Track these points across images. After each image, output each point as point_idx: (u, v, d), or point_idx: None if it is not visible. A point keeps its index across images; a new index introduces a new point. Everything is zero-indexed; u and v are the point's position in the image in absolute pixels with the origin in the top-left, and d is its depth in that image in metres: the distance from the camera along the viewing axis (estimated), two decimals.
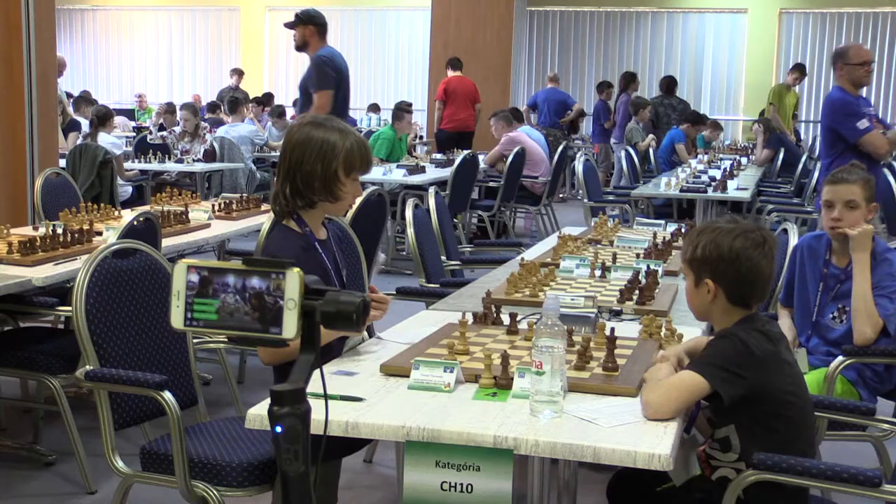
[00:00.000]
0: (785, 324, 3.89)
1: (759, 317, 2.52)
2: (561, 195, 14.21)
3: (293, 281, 1.32)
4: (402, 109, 10.52)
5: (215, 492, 2.89)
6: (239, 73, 16.84)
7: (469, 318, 3.16)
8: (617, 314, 3.42)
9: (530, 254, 4.97)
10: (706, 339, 2.64)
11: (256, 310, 1.33)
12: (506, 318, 3.15)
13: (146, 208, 5.91)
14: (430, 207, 5.36)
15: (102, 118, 8.93)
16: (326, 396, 1.51)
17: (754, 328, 2.45)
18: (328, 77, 6.86)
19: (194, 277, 1.35)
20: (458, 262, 5.29)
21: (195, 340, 3.48)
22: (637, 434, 2.17)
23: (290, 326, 1.35)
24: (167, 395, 2.87)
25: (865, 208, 3.67)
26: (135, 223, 4.19)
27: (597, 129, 14.74)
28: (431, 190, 5.53)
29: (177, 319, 1.38)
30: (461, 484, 2.18)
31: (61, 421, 3.97)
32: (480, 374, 2.52)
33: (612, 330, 2.66)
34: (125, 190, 9.51)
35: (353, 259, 4.22)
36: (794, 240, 4.20)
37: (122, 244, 3.33)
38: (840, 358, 3.49)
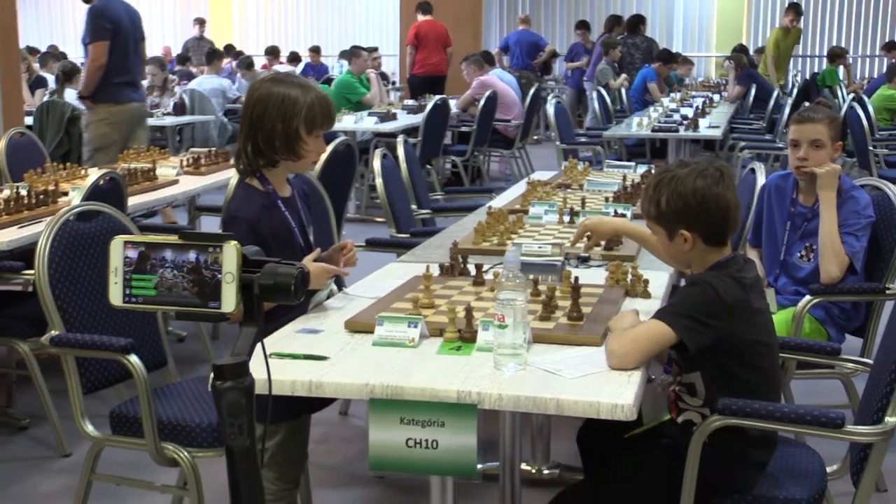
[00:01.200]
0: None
1: (736, 260, 2.46)
2: (536, 137, 14.16)
3: (230, 254, 1.30)
4: (356, 47, 10.47)
5: (186, 453, 2.88)
6: (201, 22, 16.60)
7: (435, 270, 3.14)
8: (584, 261, 3.40)
9: (500, 200, 4.95)
10: None
11: (195, 284, 1.31)
12: (473, 269, 3.13)
13: (113, 166, 5.84)
14: (400, 157, 5.32)
15: (68, 74, 8.80)
16: (270, 374, 1.48)
17: (729, 274, 2.40)
18: (101, 29, 6.81)
19: (132, 253, 1.32)
20: (428, 211, 5.26)
21: None
22: (600, 384, 2.17)
23: (229, 300, 1.32)
24: (133, 358, 2.85)
25: (831, 147, 3.66)
26: (99, 183, 4.13)
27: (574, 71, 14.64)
28: (400, 139, 5.49)
29: (115, 296, 1.35)
30: (426, 440, 2.17)
31: (35, 385, 3.95)
32: (445, 329, 2.50)
33: (577, 279, 2.64)
34: None
35: (321, 213, 4.20)
36: (761, 179, 4.19)
37: (84, 206, 3.29)
38: (807, 297, 3.50)
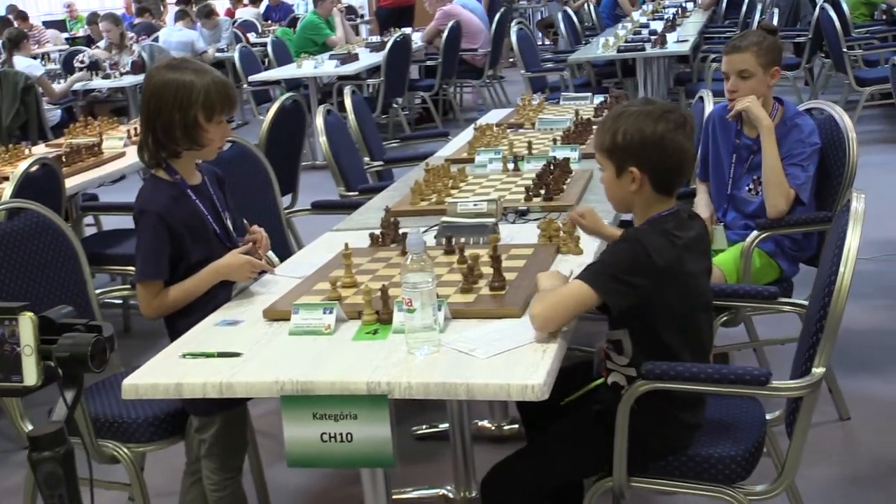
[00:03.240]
0: (702, 199, 3.86)
1: (677, 215, 2.39)
2: (511, 59, 14.00)
3: (26, 326, 1.26)
4: None
5: (126, 449, 2.89)
6: None
7: (363, 241, 3.12)
8: (523, 214, 3.37)
9: (450, 147, 4.90)
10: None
11: None
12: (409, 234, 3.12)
13: (61, 142, 5.79)
14: (347, 108, 5.26)
15: (14, 41, 8.67)
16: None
17: (664, 231, 2.33)
18: None
19: None
20: (381, 163, 5.21)
21: (98, 292, 3.43)
22: (512, 364, 2.15)
23: (31, 373, 1.29)
24: None
25: (764, 74, 3.58)
26: (30, 171, 4.08)
27: None
28: (347, 90, 5.41)
29: None
30: (340, 434, 2.16)
31: None
32: (363, 311, 2.48)
33: (495, 248, 2.61)
34: (54, 114, 9.31)
35: (261, 184, 4.16)
36: (709, 108, 4.13)
37: (9, 205, 3.24)
38: (754, 233, 3.46)
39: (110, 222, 5.84)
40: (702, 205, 3.82)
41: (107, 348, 1.32)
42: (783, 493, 2.50)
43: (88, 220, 6.23)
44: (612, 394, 2.46)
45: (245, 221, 2.98)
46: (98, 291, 3.42)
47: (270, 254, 2.95)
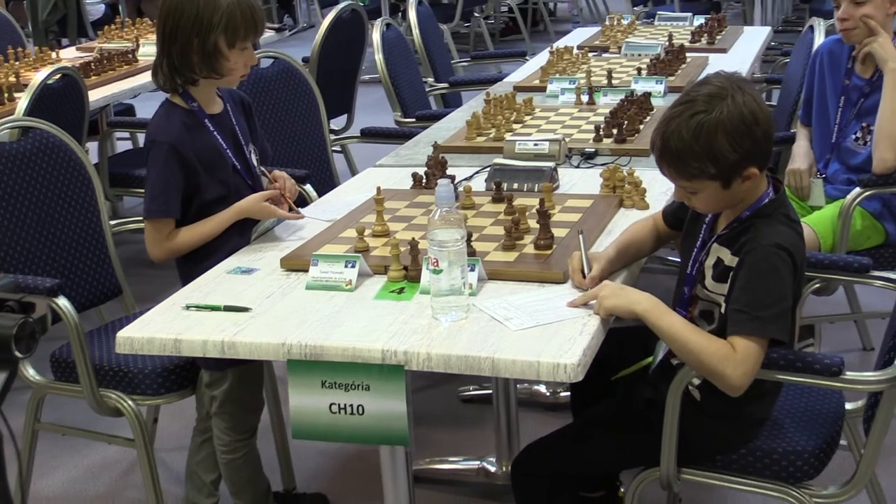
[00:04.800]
0: (801, 148, 3.75)
1: (777, 188, 2.32)
2: None
3: None
4: None
5: (130, 402, 2.94)
6: None
7: (407, 180, 3.11)
8: (589, 157, 3.33)
9: (523, 72, 4.85)
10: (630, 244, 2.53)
11: None
12: (460, 176, 3.11)
13: (94, 45, 5.85)
14: (411, 21, 5.22)
15: None
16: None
17: (782, 217, 2.27)
18: None
19: None
20: (445, 85, 5.18)
21: (113, 223, 3.49)
22: (545, 338, 2.13)
23: None
24: (62, 301, 2.88)
25: (883, 0, 3.43)
26: (49, 82, 4.13)
27: None
28: (412, 1, 5.36)
29: None
30: (351, 405, 2.17)
31: None
32: (389, 266, 2.47)
33: (542, 202, 2.57)
34: (97, 8, 9.40)
35: (307, 107, 4.16)
36: (819, 39, 4.01)
37: (12, 123, 3.29)
38: (856, 190, 3.37)
39: None
40: (800, 154, 3.72)
41: (36, 331, 1.33)
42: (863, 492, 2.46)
43: (124, 133, 6.33)
44: (669, 374, 2.42)
45: (264, 170, 2.96)
46: (113, 223, 3.46)
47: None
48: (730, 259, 2.29)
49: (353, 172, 4.58)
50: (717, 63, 4.65)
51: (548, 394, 3.79)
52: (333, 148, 4.38)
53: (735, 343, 2.17)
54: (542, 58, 4.98)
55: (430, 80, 5.22)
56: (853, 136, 3.60)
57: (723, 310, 2.29)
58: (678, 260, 2.58)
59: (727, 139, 2.19)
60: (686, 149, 2.21)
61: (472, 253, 2.44)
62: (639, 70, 4.33)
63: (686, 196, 2.32)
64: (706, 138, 2.19)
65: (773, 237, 2.23)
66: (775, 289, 2.20)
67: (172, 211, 2.76)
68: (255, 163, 2.92)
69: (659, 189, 2.92)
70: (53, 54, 5.46)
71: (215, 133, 2.81)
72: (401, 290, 2.41)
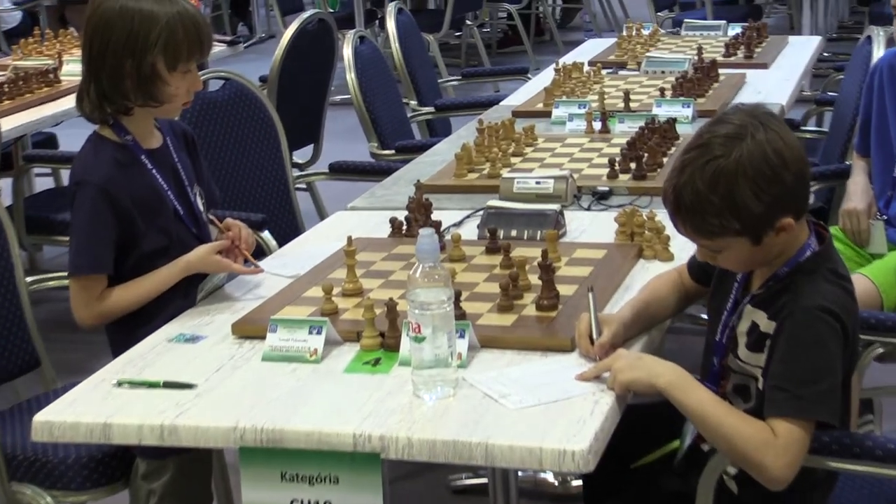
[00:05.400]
0: (859, 184, 3.78)
1: (823, 239, 2.35)
2: None
3: None
4: None
5: (49, 499, 2.94)
6: None
7: (384, 227, 3.14)
8: (603, 197, 3.37)
9: (526, 91, 4.90)
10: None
11: None
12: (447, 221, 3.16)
13: (7, 62, 5.88)
14: (389, 32, 5.28)
15: None
16: None
17: (830, 272, 2.29)
18: None
19: None
20: (430, 110, 5.23)
21: (29, 280, 3.50)
22: (550, 419, 2.15)
23: None
24: None
25: None
26: None
27: None
28: (391, 6, 5.42)
29: None
30: (317, 502, 2.19)
31: None
32: (362, 332, 2.50)
33: (545, 254, 2.61)
34: (12, 16, 9.42)
35: (267, 138, 4.20)
36: (878, 53, 4.07)
37: None
38: None
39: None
40: (857, 191, 3.75)
41: None
42: None
43: (44, 169, 6.34)
44: (699, 461, 2.45)
45: (213, 217, 3.00)
46: (30, 279, 3.48)
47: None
48: (766, 324, 2.31)
49: (321, 217, 4.60)
50: (757, 81, 4.71)
51: (556, 483, 3.81)
52: (297, 186, 4.43)
53: (776, 427, 2.19)
54: (546, 76, 5.04)
55: (413, 103, 5.27)
56: None
57: (760, 385, 2.31)
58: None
59: (750, 188, 2.20)
60: (703, 202, 2.23)
61: (461, 316, 2.47)
62: (662, 91, 4.38)
63: (710, 255, 2.35)
64: (725, 188, 2.20)
65: (817, 298, 2.25)
66: (821, 361, 2.21)
67: (103, 266, 2.78)
68: (200, 208, 2.96)
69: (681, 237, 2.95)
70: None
71: (154, 172, 2.85)
72: (376, 362, 2.44)
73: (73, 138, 5.58)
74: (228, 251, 2.87)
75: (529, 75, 5.57)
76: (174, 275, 2.82)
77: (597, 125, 4.01)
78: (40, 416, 2.34)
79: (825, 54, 6.76)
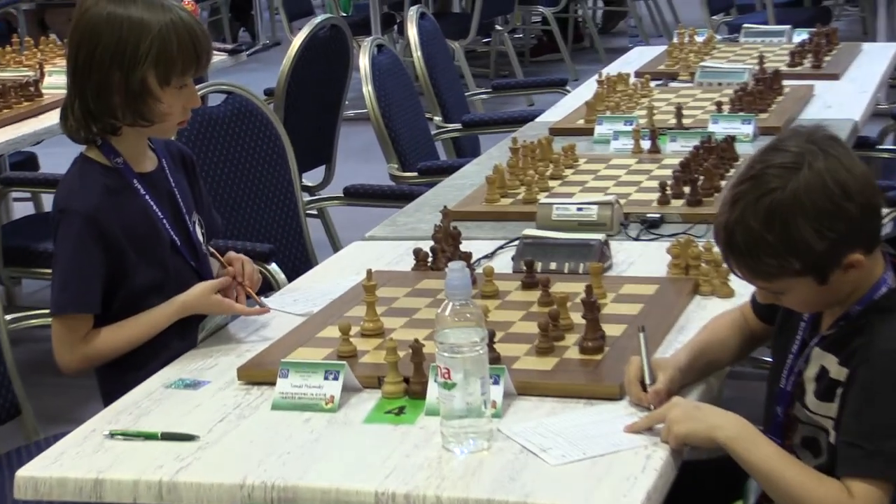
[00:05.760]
0: None
1: None
2: None
3: None
4: None
5: None
6: None
7: (406, 259, 3.15)
8: (653, 226, 3.38)
9: (564, 106, 4.91)
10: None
11: None
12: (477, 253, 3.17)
13: None
14: (411, 40, 5.30)
15: None
16: None
17: None
18: None
19: None
20: (458, 126, 5.24)
21: (8, 318, 3.53)
22: (596, 476, 2.16)
23: None
24: None
25: None
26: None
27: None
28: (412, 11, 5.45)
29: None
30: None
31: None
32: (385, 377, 2.51)
33: (589, 291, 2.62)
34: None
35: (258, 161, 4.22)
36: None
37: None
38: None
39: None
40: None
41: None
42: None
43: (23, 193, 6.37)
44: None
45: (213, 249, 3.02)
46: (9, 317, 3.51)
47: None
48: (837, 370, 2.31)
49: (335, 247, 4.63)
50: (826, 94, 4.71)
51: None
52: (307, 212, 4.44)
53: (851, 487, 2.18)
54: (587, 88, 5.05)
55: (437, 118, 5.29)
56: None
57: (831, 438, 2.31)
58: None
59: (810, 224, 2.19)
60: (757, 242, 2.22)
61: (495, 359, 2.48)
62: (719, 105, 4.38)
63: (772, 297, 2.35)
64: (782, 226, 2.19)
65: (895, 341, 2.25)
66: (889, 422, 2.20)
67: (90, 305, 2.79)
68: (200, 238, 2.97)
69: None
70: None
71: (147, 198, 2.86)
72: (400, 411, 2.45)
73: (55, 158, 5.67)
74: (230, 288, 2.89)
75: (568, 87, 5.57)
76: (169, 316, 2.83)
77: (645, 144, 4.02)
78: (24, 472, 2.35)
79: None
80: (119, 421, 2.49)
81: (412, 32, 5.30)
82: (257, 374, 2.63)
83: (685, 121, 4.24)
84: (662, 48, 5.72)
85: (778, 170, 2.21)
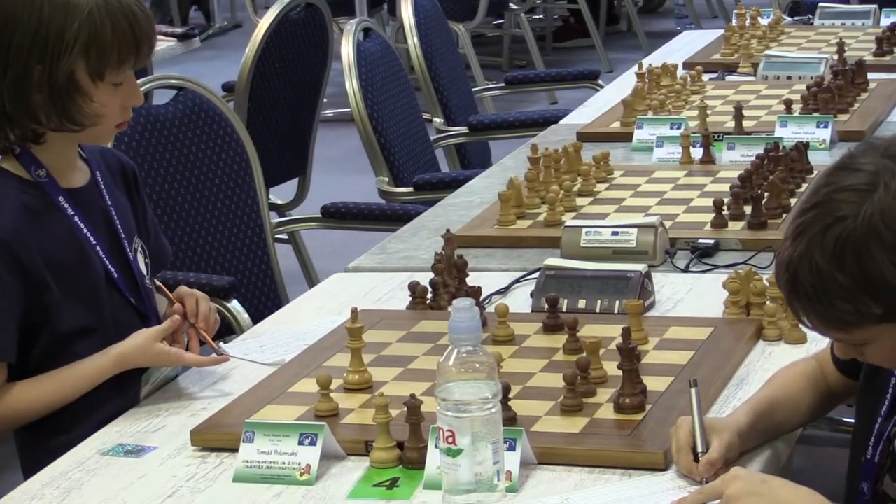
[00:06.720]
0: None
1: None
2: None
3: None
4: None
5: None
6: None
7: (400, 295, 3.17)
8: (707, 254, 3.39)
9: (595, 106, 4.93)
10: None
11: None
12: (488, 288, 3.17)
13: None
14: (405, 24, 5.32)
15: None
16: None
17: None
18: None
19: None
20: (463, 129, 5.25)
21: None
22: None
23: None
24: None
25: None
26: None
27: None
28: None
29: None
30: None
31: None
32: (373, 441, 2.53)
33: (626, 334, 2.63)
34: None
35: (217, 172, 4.23)
36: None
37: None
38: None
39: None
40: None
41: None
42: None
43: None
44: None
45: (160, 283, 3.03)
46: None
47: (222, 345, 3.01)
48: None
49: (311, 280, 4.63)
50: None
51: None
52: (277, 236, 4.45)
53: None
54: (624, 83, 5.08)
55: (438, 120, 5.29)
56: None
57: None
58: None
59: (890, 257, 2.16)
60: (826, 283, 2.18)
61: (510, 420, 2.49)
62: (788, 104, 4.40)
63: (853, 351, 2.35)
64: (855, 262, 2.16)
65: None
66: None
67: (3, 351, 2.78)
68: (143, 269, 2.98)
69: None
70: None
71: (77, 220, 2.87)
72: (392, 484, 2.46)
73: None
74: (180, 332, 2.89)
75: (600, 82, 5.58)
76: (104, 370, 2.81)
77: (696, 153, 4.03)
78: None
79: None
80: (44, 496, 2.50)
81: (407, 13, 5.30)
82: (215, 439, 2.64)
83: (746, 123, 4.25)
84: (718, 33, 5.73)
85: (848, 193, 2.18)
